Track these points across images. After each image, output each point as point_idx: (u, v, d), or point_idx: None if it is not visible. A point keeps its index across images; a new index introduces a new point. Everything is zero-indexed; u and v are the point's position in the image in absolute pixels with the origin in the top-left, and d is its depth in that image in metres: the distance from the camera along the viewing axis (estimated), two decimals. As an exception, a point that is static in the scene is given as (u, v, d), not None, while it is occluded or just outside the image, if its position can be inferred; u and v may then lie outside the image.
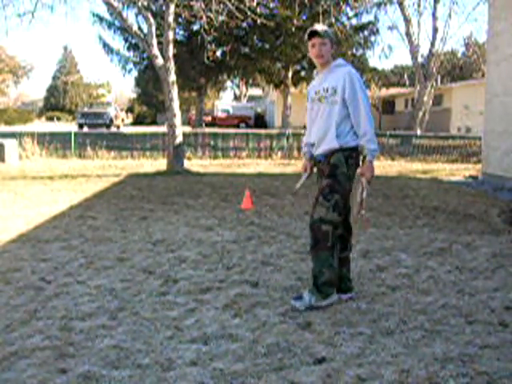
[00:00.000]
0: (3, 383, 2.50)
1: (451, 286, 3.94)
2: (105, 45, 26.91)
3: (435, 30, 22.11)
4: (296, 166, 13.99)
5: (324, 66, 3.52)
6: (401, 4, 21.73)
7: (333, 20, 19.91)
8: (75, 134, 16.05)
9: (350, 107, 3.39)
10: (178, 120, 11.76)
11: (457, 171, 13.27)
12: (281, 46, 25.00)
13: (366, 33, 26.47)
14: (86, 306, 3.46)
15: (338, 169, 3.39)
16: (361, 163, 3.47)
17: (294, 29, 22.19)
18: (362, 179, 3.43)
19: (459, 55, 43.10)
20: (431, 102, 23.95)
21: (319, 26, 3.46)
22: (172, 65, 11.50)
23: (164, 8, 11.78)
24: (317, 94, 3.53)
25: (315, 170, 3.72)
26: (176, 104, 11.68)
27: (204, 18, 11.46)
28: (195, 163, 13.94)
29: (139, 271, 4.26)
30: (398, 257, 4.76)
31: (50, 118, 53.33)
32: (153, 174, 11.49)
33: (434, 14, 22.04)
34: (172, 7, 11.29)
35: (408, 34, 22.24)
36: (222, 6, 11.37)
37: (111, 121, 29.99)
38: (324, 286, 3.41)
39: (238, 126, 35.17)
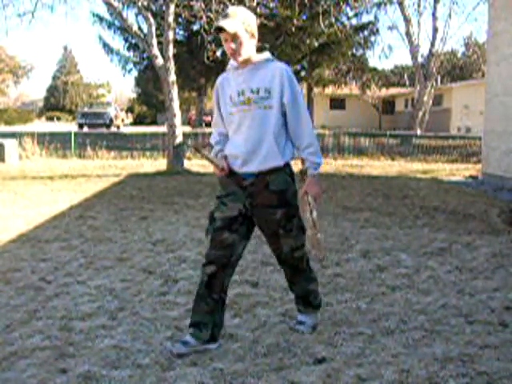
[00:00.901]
0: (3, 383, 2.50)
1: (451, 286, 3.94)
2: (105, 45, 26.88)
3: (435, 29, 22.11)
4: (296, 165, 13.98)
5: (246, 63, 2.80)
6: (401, 4, 21.73)
7: (333, 20, 19.92)
8: (75, 134, 16.05)
9: (288, 113, 2.79)
10: (177, 120, 11.76)
11: (457, 171, 13.27)
12: (281, 45, 24.96)
13: (365, 33, 26.45)
14: (85, 306, 3.46)
15: (287, 193, 2.82)
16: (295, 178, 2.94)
17: (293, 29, 22.18)
18: (309, 198, 2.91)
19: (459, 55, 43.10)
20: (431, 101, 23.93)
21: (228, 20, 2.69)
22: (172, 65, 11.50)
23: (164, 8, 11.78)
24: (241, 95, 2.80)
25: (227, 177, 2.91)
26: (176, 104, 11.68)
27: (204, 18, 11.46)
28: (195, 163, 13.93)
29: (139, 271, 4.26)
30: (397, 257, 4.76)
31: (50, 118, 53.33)
32: (153, 173, 11.49)
33: (434, 14, 22.04)
34: (172, 7, 11.29)
35: (408, 34, 22.24)
36: (221, 6, 11.37)
37: (111, 121, 29.99)
38: (316, 300, 3.13)
39: (237, 126, 35.07)
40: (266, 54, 2.88)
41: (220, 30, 2.69)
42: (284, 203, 2.82)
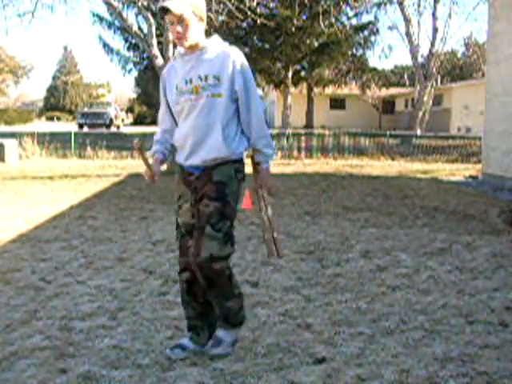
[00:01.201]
0: (3, 383, 2.50)
1: (451, 286, 3.94)
2: (105, 45, 26.87)
3: (435, 29, 22.10)
4: (296, 165, 14.01)
5: (194, 49, 2.60)
6: (401, 4, 21.72)
7: (333, 20, 19.93)
8: (75, 134, 16.05)
9: (241, 102, 2.62)
10: (178, 120, 11.75)
11: (457, 171, 13.26)
12: (281, 45, 24.97)
13: (366, 33, 26.49)
14: (85, 306, 3.46)
15: (227, 187, 2.61)
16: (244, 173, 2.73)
17: (293, 29, 22.20)
18: (263, 193, 2.76)
19: (459, 55, 43.09)
20: (431, 101, 23.93)
21: (174, 1, 2.49)
22: (172, 65, 11.48)
23: (164, 8, 11.76)
24: (188, 83, 2.60)
25: (177, 179, 2.76)
26: (176, 104, 11.66)
27: (204, 18, 11.44)
28: (195, 163, 13.92)
29: (139, 271, 4.26)
30: (398, 257, 4.76)
31: (50, 118, 53.31)
32: (153, 173, 11.47)
33: (434, 14, 22.03)
34: (172, 7, 11.28)
35: (408, 34, 22.23)
36: (221, 5, 11.38)
37: (111, 121, 29.99)
38: (236, 318, 2.78)
39: (238, 126, 35.08)
40: (216, 38, 2.68)
41: (165, 11, 2.49)
42: (221, 196, 2.58)
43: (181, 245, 2.75)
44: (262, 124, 2.70)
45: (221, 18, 12.03)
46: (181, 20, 2.50)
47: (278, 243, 2.80)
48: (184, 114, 2.65)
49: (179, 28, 2.52)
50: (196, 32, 2.57)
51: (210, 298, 2.72)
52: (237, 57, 2.61)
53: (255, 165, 2.77)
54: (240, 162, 2.68)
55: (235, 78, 2.59)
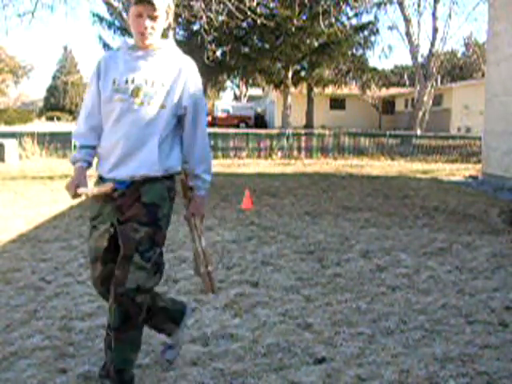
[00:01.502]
0: (3, 383, 2.50)
1: (451, 286, 3.94)
2: (105, 45, 26.87)
3: (435, 30, 22.11)
4: (296, 165, 14.01)
5: (147, 48, 2.31)
6: (401, 4, 21.74)
7: (333, 20, 19.93)
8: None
9: (187, 121, 2.35)
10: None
11: (457, 171, 13.26)
12: (281, 45, 24.99)
13: (366, 33, 26.51)
14: (85, 306, 3.45)
15: (160, 210, 2.31)
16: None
17: (293, 29, 22.21)
18: (196, 222, 2.50)
19: (459, 55, 43.10)
20: (431, 101, 23.95)
21: None
22: (172, 65, 11.48)
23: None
24: (130, 82, 2.27)
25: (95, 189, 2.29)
26: (176, 104, 11.67)
27: (204, 17, 11.46)
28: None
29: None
30: (397, 257, 4.76)
31: (50, 118, 53.31)
32: (153, 173, 11.48)
33: (434, 14, 22.04)
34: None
35: (408, 34, 22.24)
36: (221, 5, 11.38)
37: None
38: (128, 376, 2.39)
39: (237, 126, 35.16)
40: (171, 42, 2.41)
41: (141, 2, 2.22)
42: (153, 221, 2.29)
43: (92, 270, 2.41)
44: (206, 147, 2.45)
45: (221, 17, 12.02)
46: (154, 15, 2.24)
47: (212, 278, 2.49)
48: (114, 118, 2.28)
49: (149, 23, 2.24)
50: (160, 31, 2.32)
51: (115, 345, 2.33)
52: (191, 70, 2.35)
53: (188, 190, 2.47)
54: (172, 178, 2.38)
55: (185, 94, 2.32)
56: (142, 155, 2.26)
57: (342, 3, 22.62)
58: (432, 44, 22.30)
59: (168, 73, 2.31)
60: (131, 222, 2.26)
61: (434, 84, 24.13)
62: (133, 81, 2.28)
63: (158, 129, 2.27)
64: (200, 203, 2.46)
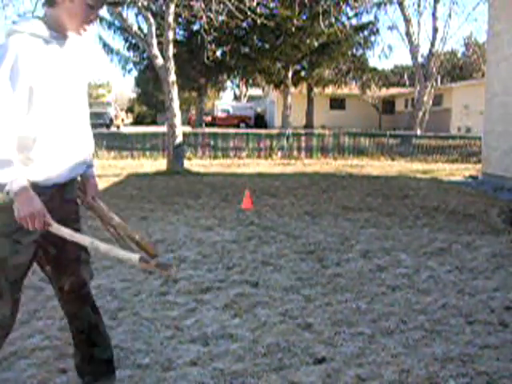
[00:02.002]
0: (3, 383, 2.50)
1: (451, 286, 3.94)
2: (105, 45, 26.92)
3: (435, 30, 22.11)
4: (296, 165, 14.01)
5: (66, 37, 2.14)
6: (401, 4, 21.73)
7: (333, 20, 19.93)
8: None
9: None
10: (178, 120, 11.76)
11: (457, 171, 13.26)
12: (281, 45, 25.00)
13: (365, 33, 26.54)
14: (86, 306, 3.45)
15: (78, 204, 2.34)
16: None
17: (293, 29, 22.19)
18: (99, 203, 2.41)
19: (459, 55, 43.08)
20: (431, 101, 23.94)
21: None
22: (172, 65, 11.50)
23: (164, 8, 11.78)
24: (71, 79, 2.15)
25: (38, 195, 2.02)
26: (176, 104, 11.68)
27: (204, 18, 11.45)
28: (195, 163, 13.93)
29: (139, 271, 4.26)
30: (397, 257, 4.76)
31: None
32: (153, 173, 11.49)
33: (434, 14, 22.04)
34: (172, 7, 11.29)
35: (408, 34, 22.24)
36: (221, 5, 11.37)
37: (111, 121, 30.02)
38: (105, 354, 2.43)
39: (237, 126, 35.17)
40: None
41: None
42: (78, 216, 2.30)
43: (10, 295, 2.11)
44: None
45: (221, 17, 12.02)
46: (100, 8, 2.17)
47: (146, 243, 2.34)
48: (62, 119, 2.10)
49: (96, 15, 2.19)
50: None
51: (102, 333, 2.42)
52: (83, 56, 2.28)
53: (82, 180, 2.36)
54: None
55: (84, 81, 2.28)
56: (83, 156, 2.27)
57: (342, 3, 22.61)
58: (432, 44, 22.31)
59: (80, 65, 2.24)
60: (68, 223, 2.15)
61: (434, 84, 24.13)
62: (71, 75, 2.18)
63: (88, 125, 2.32)
64: (95, 183, 2.38)
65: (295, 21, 20.80)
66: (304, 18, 23.85)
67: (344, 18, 25.21)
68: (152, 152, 15.80)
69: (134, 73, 30.14)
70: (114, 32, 25.90)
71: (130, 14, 22.64)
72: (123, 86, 72.33)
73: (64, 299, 2.32)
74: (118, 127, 31.00)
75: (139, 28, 13.88)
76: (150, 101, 48.08)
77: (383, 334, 3.06)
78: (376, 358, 2.76)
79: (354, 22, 26.00)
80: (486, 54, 12.03)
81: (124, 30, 23.10)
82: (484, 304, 3.56)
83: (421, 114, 22.63)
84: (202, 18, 11.54)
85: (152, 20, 11.41)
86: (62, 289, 2.28)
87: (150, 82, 31.22)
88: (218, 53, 23.10)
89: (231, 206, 7.30)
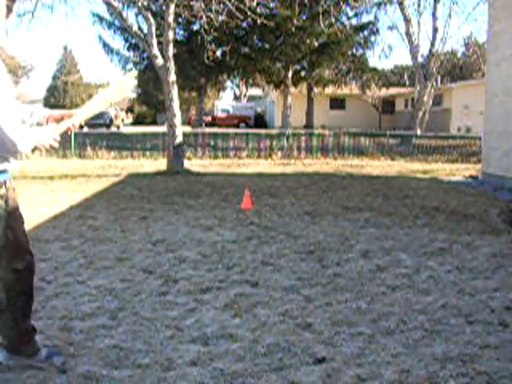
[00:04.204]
0: (3, 383, 2.50)
1: (451, 286, 3.94)
2: (105, 45, 26.92)
3: (435, 30, 22.08)
4: (296, 165, 14.00)
5: None
6: (401, 4, 21.71)
7: (333, 20, 19.90)
8: (75, 134, 16.04)
9: None
10: (178, 120, 11.76)
11: (457, 171, 13.26)
12: (281, 45, 25.01)
13: (365, 33, 26.56)
14: (85, 306, 3.46)
15: None
16: None
17: (293, 29, 22.21)
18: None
19: (459, 55, 43.08)
20: (431, 101, 23.91)
21: None
22: (172, 65, 11.50)
23: (164, 8, 11.78)
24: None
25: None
26: (176, 104, 11.68)
27: (204, 18, 11.45)
28: (195, 163, 13.93)
29: (139, 271, 4.26)
30: (398, 257, 4.76)
31: (50, 118, 53.23)
32: (153, 173, 11.49)
33: (434, 14, 22.01)
34: (172, 7, 11.29)
35: (408, 34, 22.21)
36: (222, 5, 11.36)
37: (111, 121, 30.02)
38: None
39: (237, 126, 35.17)
40: None
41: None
42: None
43: None
44: None
45: (221, 17, 12.01)
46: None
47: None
48: None
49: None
50: None
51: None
52: None
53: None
54: None
55: None
56: None
57: (342, 3, 22.58)
58: (432, 44, 22.27)
59: None
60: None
61: (434, 84, 24.10)
62: None
63: None
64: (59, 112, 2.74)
65: (295, 21, 20.81)
66: (304, 17, 23.86)
67: (344, 18, 25.22)
68: (152, 152, 15.80)
69: (134, 73, 30.11)
70: (114, 32, 25.92)
71: (130, 14, 22.61)
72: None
73: None
74: (118, 127, 30.99)
75: (139, 28, 13.88)
76: (150, 101, 48.07)
77: (383, 334, 3.06)
78: (376, 358, 2.76)
79: (353, 21, 26.04)
80: (486, 54, 12.03)
81: (124, 29, 23.11)
82: (484, 304, 3.56)
83: (421, 113, 22.60)
84: (201, 17, 11.53)
85: (152, 20, 11.41)
86: None
87: (149, 81, 31.22)
88: (218, 53, 23.09)
89: (231, 206, 7.30)
